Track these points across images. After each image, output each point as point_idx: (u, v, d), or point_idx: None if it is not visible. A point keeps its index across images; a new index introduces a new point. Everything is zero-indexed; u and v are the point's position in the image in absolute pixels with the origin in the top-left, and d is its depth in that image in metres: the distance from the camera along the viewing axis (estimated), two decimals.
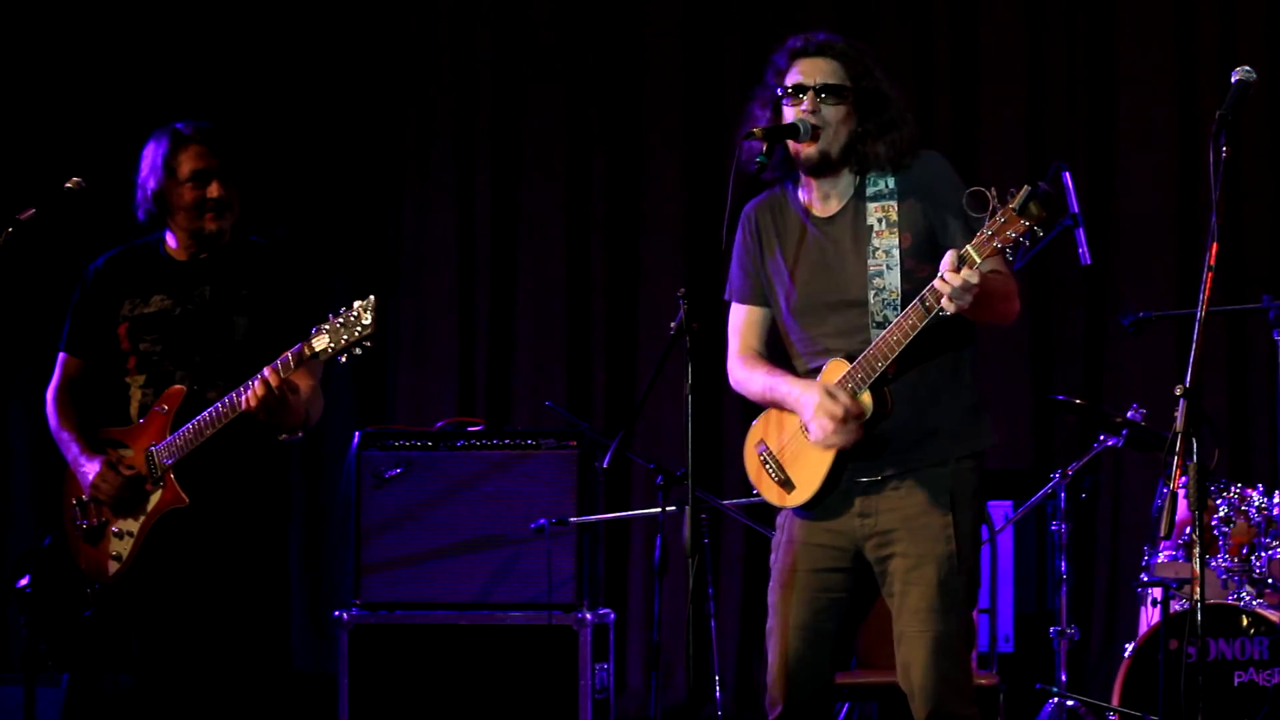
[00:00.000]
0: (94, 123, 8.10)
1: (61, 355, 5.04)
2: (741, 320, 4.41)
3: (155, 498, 4.80)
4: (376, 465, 6.67)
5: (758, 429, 4.35)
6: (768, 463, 4.30)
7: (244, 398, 4.65)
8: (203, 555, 4.80)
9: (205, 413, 4.71)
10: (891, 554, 4.20)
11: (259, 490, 4.87)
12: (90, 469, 4.84)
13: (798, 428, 4.23)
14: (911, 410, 4.18)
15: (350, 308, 4.59)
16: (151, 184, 4.88)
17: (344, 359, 4.62)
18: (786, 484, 4.27)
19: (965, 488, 4.21)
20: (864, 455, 4.18)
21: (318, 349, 4.59)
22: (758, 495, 4.39)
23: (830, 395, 4.11)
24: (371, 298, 4.58)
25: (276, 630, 4.93)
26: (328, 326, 4.59)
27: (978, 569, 4.27)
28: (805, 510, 4.27)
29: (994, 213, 3.89)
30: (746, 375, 4.36)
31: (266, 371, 4.63)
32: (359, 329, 4.57)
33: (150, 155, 4.90)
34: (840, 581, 4.26)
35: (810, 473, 4.22)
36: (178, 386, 4.81)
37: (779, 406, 4.29)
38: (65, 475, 4.96)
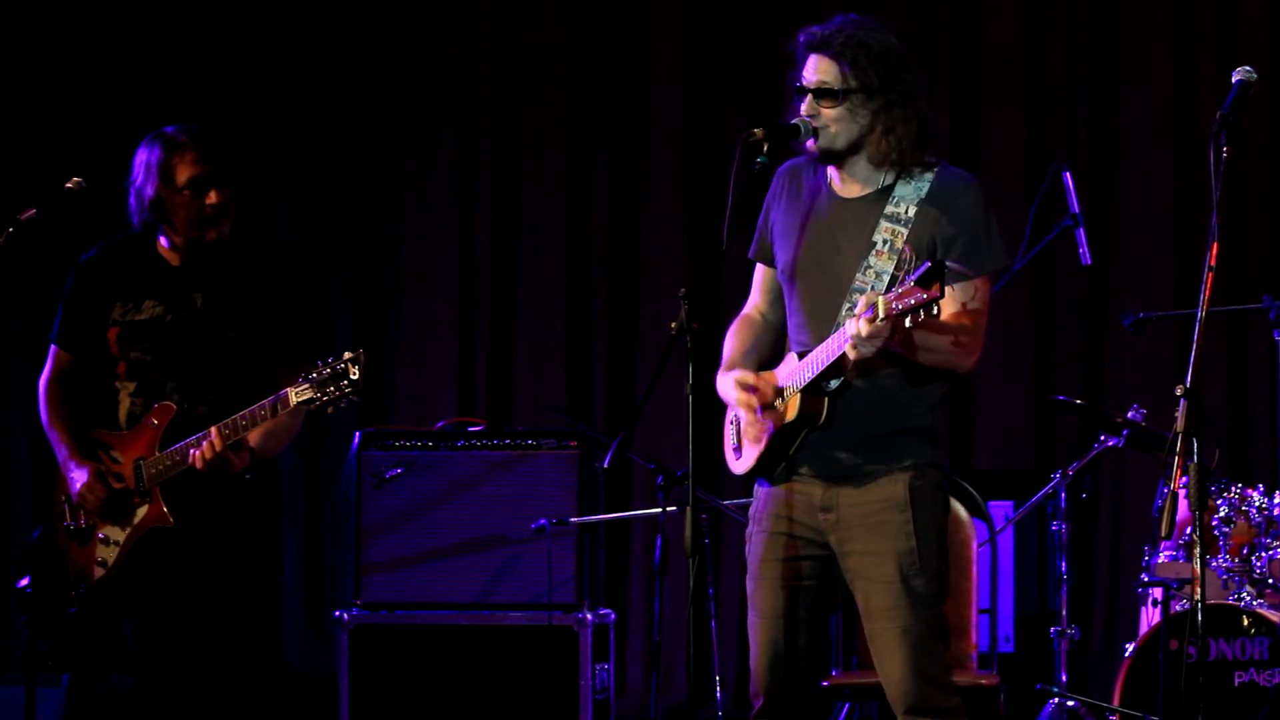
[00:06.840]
0: (94, 123, 8.09)
1: (53, 347, 5.01)
2: (759, 278, 4.48)
3: (142, 511, 4.80)
4: (377, 465, 6.67)
5: None
6: (733, 424, 4.39)
7: (195, 454, 4.65)
8: (192, 562, 4.79)
9: (190, 449, 4.70)
10: (851, 550, 4.22)
11: (246, 502, 4.85)
12: (79, 476, 4.83)
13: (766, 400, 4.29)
14: (877, 411, 4.19)
15: (340, 359, 4.55)
16: (149, 191, 4.80)
17: (330, 411, 4.60)
18: (738, 450, 4.36)
19: (926, 486, 4.22)
20: (826, 452, 4.22)
21: (296, 401, 4.58)
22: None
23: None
24: (361, 352, 4.56)
25: (269, 629, 4.92)
26: (315, 376, 4.56)
27: (945, 565, 4.26)
28: (761, 479, 4.33)
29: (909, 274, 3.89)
30: (727, 337, 4.45)
31: (214, 433, 4.62)
32: (345, 382, 4.54)
33: (143, 161, 4.83)
34: (811, 569, 4.28)
35: (754, 447, 4.29)
36: (169, 403, 4.79)
37: None
38: (56, 470, 4.95)
